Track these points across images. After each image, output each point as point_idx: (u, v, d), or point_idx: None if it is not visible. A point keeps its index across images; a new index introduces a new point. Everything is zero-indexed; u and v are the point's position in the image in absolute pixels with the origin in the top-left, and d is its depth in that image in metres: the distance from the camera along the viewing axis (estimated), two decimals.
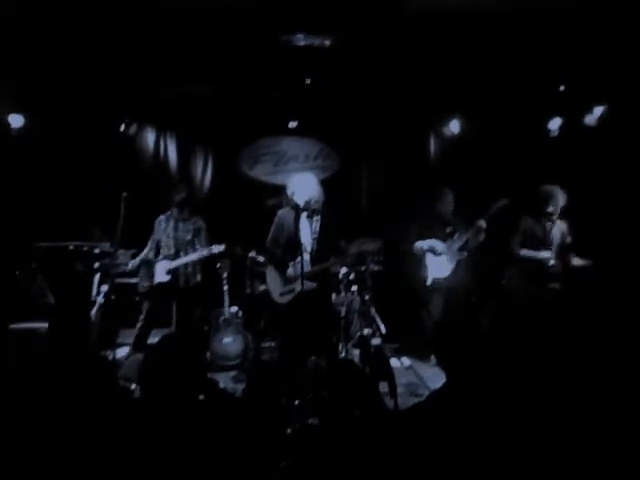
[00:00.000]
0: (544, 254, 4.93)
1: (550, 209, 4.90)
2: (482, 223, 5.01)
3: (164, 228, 4.94)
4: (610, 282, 5.00)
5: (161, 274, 4.80)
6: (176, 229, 4.92)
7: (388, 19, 4.60)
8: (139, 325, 4.82)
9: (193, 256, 4.80)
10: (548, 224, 4.97)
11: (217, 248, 4.77)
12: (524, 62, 5.32)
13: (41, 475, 1.89)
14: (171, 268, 4.80)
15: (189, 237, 4.89)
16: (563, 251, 4.93)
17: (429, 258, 5.25)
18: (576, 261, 4.86)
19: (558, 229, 4.96)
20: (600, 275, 4.89)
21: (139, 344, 4.73)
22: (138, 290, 4.96)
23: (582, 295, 4.91)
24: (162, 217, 5.00)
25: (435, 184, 5.87)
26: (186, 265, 4.86)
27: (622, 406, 2.22)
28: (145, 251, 4.99)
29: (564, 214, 4.96)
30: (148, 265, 4.90)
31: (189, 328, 4.89)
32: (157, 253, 4.95)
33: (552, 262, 4.91)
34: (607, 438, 1.98)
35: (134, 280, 5.33)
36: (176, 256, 4.85)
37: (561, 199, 4.89)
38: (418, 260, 5.31)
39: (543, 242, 4.96)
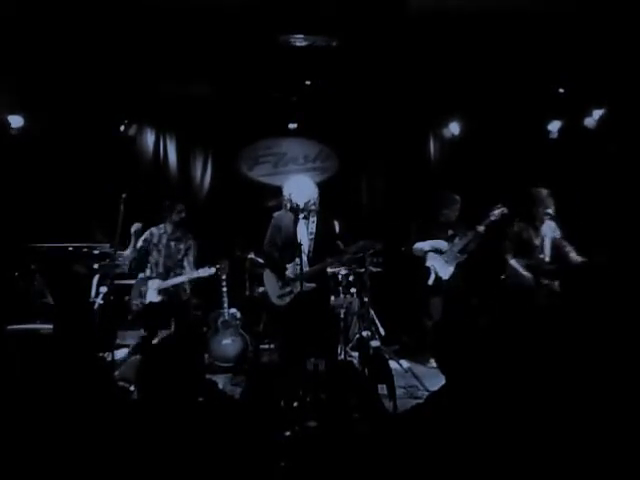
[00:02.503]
0: (527, 274, 4.90)
1: (539, 211, 4.89)
2: (481, 229, 5.03)
3: (156, 243, 4.86)
4: (608, 282, 5.00)
5: (153, 294, 4.75)
6: (168, 247, 4.86)
7: (388, 20, 4.61)
8: (140, 342, 4.74)
9: (182, 278, 4.77)
10: (539, 227, 4.95)
11: (206, 271, 4.76)
12: (524, 64, 5.32)
13: (40, 475, 1.88)
14: (162, 288, 4.76)
15: (180, 257, 4.85)
16: (556, 249, 4.92)
17: (430, 260, 5.26)
18: (573, 257, 4.83)
19: (548, 229, 4.95)
20: (598, 274, 4.88)
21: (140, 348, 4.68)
22: (131, 308, 4.85)
23: (580, 294, 4.91)
24: (155, 230, 4.91)
25: (439, 188, 5.90)
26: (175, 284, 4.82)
27: (622, 409, 2.21)
28: (129, 251, 4.86)
29: (554, 215, 4.94)
30: (139, 283, 4.84)
31: (186, 329, 4.86)
32: (140, 264, 4.86)
33: (547, 259, 4.90)
34: (607, 439, 1.97)
35: (133, 281, 5.28)
36: (166, 275, 4.81)
37: (549, 201, 4.88)
38: (419, 262, 5.31)
39: (534, 247, 4.95)
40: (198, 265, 4.89)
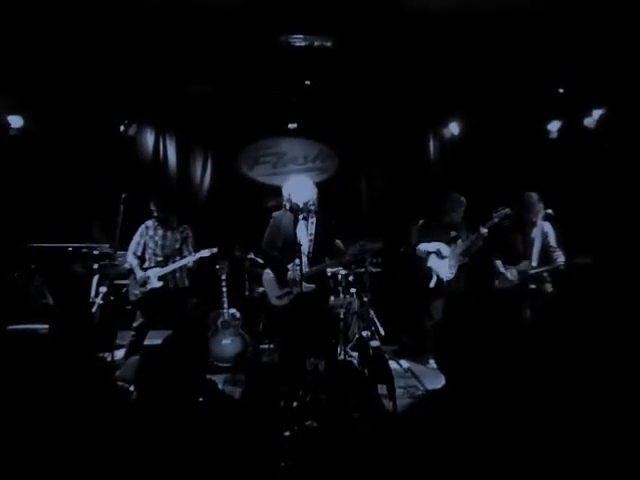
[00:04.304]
0: (510, 274, 4.92)
1: (529, 216, 4.89)
2: (484, 231, 5.02)
3: (152, 235, 4.88)
4: (603, 281, 5.00)
5: (154, 281, 4.79)
6: (165, 238, 4.88)
7: (387, 20, 4.61)
8: (133, 333, 4.78)
9: (184, 261, 4.82)
10: (529, 231, 4.95)
11: (207, 252, 4.83)
12: (524, 64, 5.32)
13: (40, 475, 1.88)
14: (162, 275, 4.80)
15: (177, 246, 4.87)
16: (546, 252, 4.92)
17: (432, 261, 5.26)
18: (560, 262, 4.83)
19: (539, 232, 4.94)
20: (593, 274, 4.88)
21: (135, 349, 4.68)
22: (130, 298, 4.88)
23: (572, 295, 4.91)
24: (150, 223, 4.92)
25: (439, 188, 5.90)
26: (174, 270, 4.85)
27: (621, 409, 2.22)
28: (132, 250, 4.89)
29: (548, 217, 4.93)
30: (137, 274, 4.83)
31: (187, 329, 4.85)
32: (142, 257, 4.89)
33: (534, 263, 4.90)
34: (606, 440, 1.97)
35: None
36: (166, 263, 4.83)
37: (539, 206, 4.87)
38: (419, 262, 5.31)
39: (521, 251, 4.93)
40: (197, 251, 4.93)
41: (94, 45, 4.88)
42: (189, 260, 4.81)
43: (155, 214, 4.87)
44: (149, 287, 4.77)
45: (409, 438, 1.90)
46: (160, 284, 4.78)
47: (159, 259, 4.84)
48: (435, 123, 6.96)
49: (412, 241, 5.45)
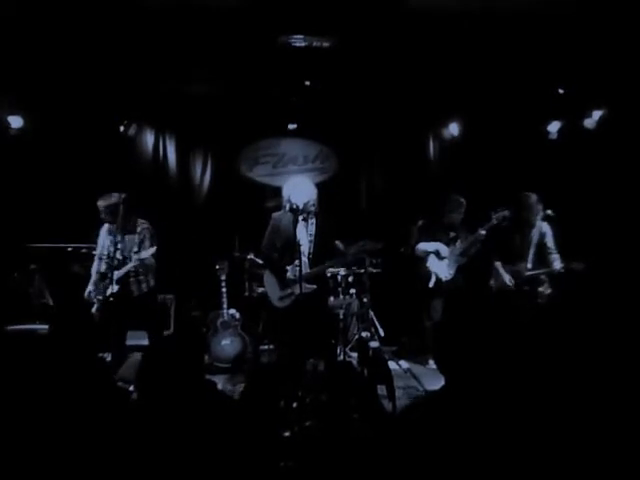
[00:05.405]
0: (509, 280, 4.92)
1: (529, 217, 4.89)
2: (482, 232, 5.02)
3: (112, 239, 4.72)
4: (599, 284, 5.00)
5: (111, 285, 4.67)
6: (123, 240, 4.72)
7: (387, 20, 4.61)
8: (112, 337, 4.67)
9: (128, 265, 4.67)
10: (528, 232, 4.94)
11: (145, 253, 4.65)
12: (524, 65, 5.33)
13: (40, 475, 1.88)
14: (117, 278, 4.66)
15: (136, 248, 4.72)
16: (542, 254, 4.91)
17: (431, 261, 5.27)
18: (556, 265, 4.83)
19: (537, 233, 4.94)
20: (589, 277, 4.88)
21: (119, 352, 4.64)
22: (93, 302, 4.77)
23: (567, 297, 4.91)
24: (110, 226, 4.78)
25: (439, 189, 5.91)
26: (136, 272, 4.74)
27: (621, 410, 2.22)
28: (97, 254, 4.84)
29: (547, 217, 4.93)
30: (101, 278, 4.77)
31: (154, 333, 4.82)
32: (110, 259, 4.75)
33: (529, 265, 4.90)
34: (607, 443, 1.97)
35: None
36: (122, 266, 4.71)
37: (538, 207, 4.87)
38: (420, 262, 5.32)
39: (519, 252, 4.95)
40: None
41: (94, 45, 4.87)
42: (130, 266, 4.65)
43: (102, 216, 4.72)
44: (109, 292, 4.66)
45: (409, 439, 1.90)
46: (117, 288, 4.64)
47: (119, 262, 4.70)
48: (435, 124, 6.96)
49: (412, 241, 5.46)
